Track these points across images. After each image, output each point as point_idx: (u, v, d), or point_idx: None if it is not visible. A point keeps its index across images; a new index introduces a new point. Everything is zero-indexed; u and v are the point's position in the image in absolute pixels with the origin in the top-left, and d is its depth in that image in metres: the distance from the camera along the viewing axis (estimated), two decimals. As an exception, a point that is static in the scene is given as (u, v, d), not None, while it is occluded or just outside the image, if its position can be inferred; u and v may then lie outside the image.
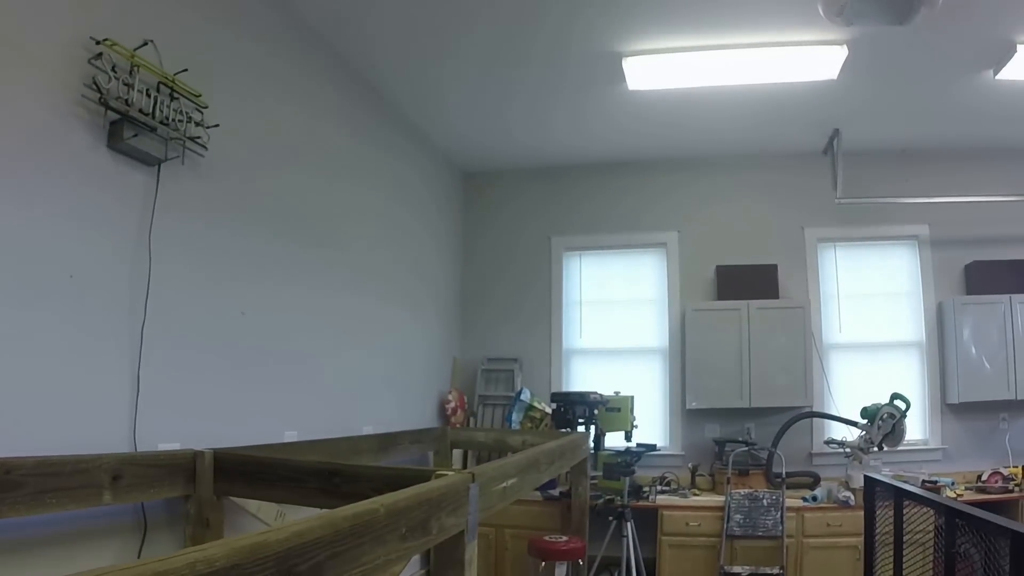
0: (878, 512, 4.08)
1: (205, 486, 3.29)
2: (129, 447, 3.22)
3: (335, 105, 5.25)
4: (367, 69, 5.49)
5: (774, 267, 6.96)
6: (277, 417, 4.39)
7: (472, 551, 2.67)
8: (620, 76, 5.45)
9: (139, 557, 3.18)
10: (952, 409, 6.80)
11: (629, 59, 5.24)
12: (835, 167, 6.80)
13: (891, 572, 3.85)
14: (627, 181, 7.59)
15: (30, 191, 2.82)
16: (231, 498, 3.43)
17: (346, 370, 5.24)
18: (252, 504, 3.52)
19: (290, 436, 4.42)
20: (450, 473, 2.63)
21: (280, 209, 4.51)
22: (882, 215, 7.03)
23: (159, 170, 3.44)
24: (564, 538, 5.44)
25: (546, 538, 5.41)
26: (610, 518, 5.80)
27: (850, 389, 6.91)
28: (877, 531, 4.07)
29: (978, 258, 6.85)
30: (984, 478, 6.25)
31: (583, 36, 4.99)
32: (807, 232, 7.18)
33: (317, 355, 4.87)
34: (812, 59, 5.14)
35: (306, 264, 4.77)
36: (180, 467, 3.25)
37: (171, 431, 3.45)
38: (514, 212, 7.88)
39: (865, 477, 4.34)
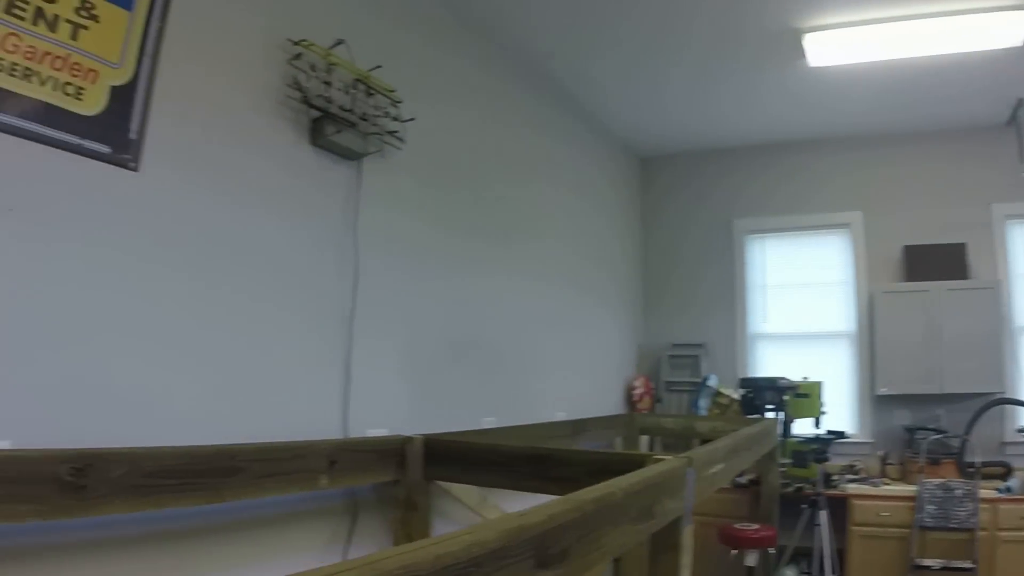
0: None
1: (415, 470, 3.39)
2: (340, 434, 3.36)
3: (517, 98, 5.34)
4: (544, 61, 5.51)
5: (962, 246, 6.62)
6: (475, 404, 4.50)
7: (688, 535, 2.66)
8: (799, 53, 5.29)
9: (350, 539, 3.32)
10: None
11: (809, 35, 5.08)
12: (1021, 138, 6.45)
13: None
14: (807, 160, 7.36)
15: (245, 188, 3.00)
16: (436, 482, 3.51)
17: (536, 358, 5.34)
18: (456, 488, 3.60)
19: (488, 423, 4.52)
20: (668, 458, 2.62)
21: (470, 201, 4.63)
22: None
23: (360, 164, 3.55)
24: (755, 526, 5.35)
25: (736, 526, 5.34)
26: (803, 506, 5.67)
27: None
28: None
29: None
30: None
31: (758, 14, 4.86)
32: (994, 208, 6.80)
33: (510, 343, 4.98)
34: (996, 26, 4.86)
35: (496, 255, 4.88)
36: (391, 452, 3.36)
37: (377, 418, 3.60)
38: (693, 196, 7.77)
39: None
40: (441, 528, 3.55)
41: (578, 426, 5.22)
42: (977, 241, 6.69)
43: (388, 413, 3.68)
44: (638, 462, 2.61)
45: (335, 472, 3.04)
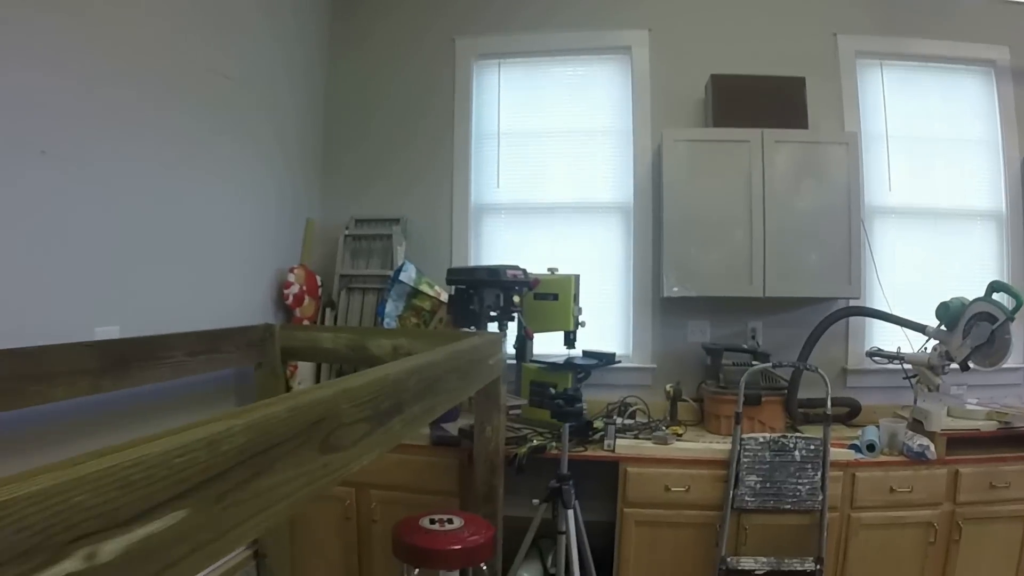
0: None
1: None
2: None
3: None
4: None
5: (801, 81, 4.60)
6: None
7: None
8: None
9: None
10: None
11: None
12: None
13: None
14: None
15: None
16: None
17: (129, 233, 3.17)
18: None
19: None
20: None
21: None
22: (944, 26, 4.87)
23: None
24: (455, 521, 3.02)
25: (424, 522, 2.99)
26: (552, 484, 3.57)
27: (899, 275, 4.77)
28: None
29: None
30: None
31: None
32: (841, 41, 4.87)
33: (82, 206, 2.88)
34: None
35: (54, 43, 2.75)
36: None
37: None
38: (403, 3, 5.39)
39: None
40: None
41: (135, 351, 2.77)
42: (815, 85, 4.69)
43: None
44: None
45: None
